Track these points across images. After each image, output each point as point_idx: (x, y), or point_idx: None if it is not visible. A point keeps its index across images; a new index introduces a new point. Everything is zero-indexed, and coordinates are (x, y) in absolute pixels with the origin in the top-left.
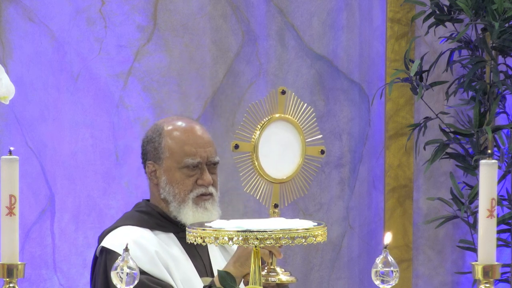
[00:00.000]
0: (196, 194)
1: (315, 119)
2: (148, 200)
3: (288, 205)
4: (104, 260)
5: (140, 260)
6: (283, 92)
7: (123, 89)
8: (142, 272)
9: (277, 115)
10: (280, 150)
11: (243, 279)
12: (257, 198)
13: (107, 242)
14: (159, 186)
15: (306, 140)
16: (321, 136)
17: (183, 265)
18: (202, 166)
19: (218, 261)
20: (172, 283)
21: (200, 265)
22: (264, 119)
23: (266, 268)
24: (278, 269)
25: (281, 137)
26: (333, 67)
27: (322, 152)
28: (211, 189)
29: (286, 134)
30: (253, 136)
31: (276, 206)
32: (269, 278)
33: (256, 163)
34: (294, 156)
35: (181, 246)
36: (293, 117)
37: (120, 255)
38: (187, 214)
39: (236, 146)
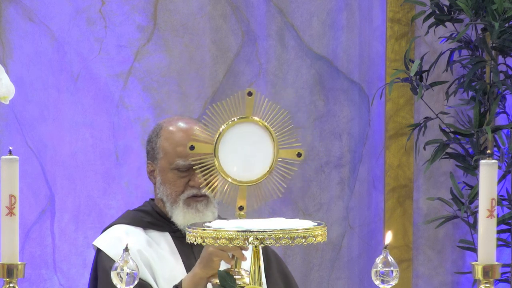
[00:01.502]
0: (187, 195)
1: (291, 121)
2: (153, 200)
3: (257, 207)
4: (95, 258)
5: None
6: (250, 94)
7: (123, 89)
8: None
9: (243, 117)
10: (247, 152)
11: (211, 281)
12: (220, 199)
13: (97, 241)
14: (156, 186)
15: (280, 143)
16: (297, 139)
17: (169, 264)
18: None
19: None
20: (152, 282)
21: (192, 265)
22: (229, 121)
23: (230, 272)
24: (243, 272)
25: (249, 139)
26: (333, 67)
27: (299, 154)
28: (206, 190)
29: (255, 136)
30: (214, 137)
31: (241, 208)
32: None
33: (217, 164)
34: (264, 158)
35: (174, 246)
36: (264, 119)
37: (106, 254)
38: (178, 215)
39: (192, 147)
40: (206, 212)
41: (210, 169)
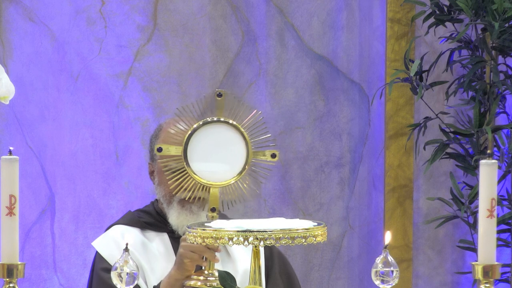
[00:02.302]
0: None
1: (264, 122)
2: (157, 200)
3: (231, 209)
4: (93, 258)
5: (115, 259)
6: (220, 95)
7: (123, 89)
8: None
9: (214, 119)
10: (219, 153)
11: (185, 283)
12: (191, 201)
13: (95, 241)
14: (155, 186)
15: (253, 144)
16: (273, 139)
17: (162, 265)
18: None
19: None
20: (140, 282)
21: None
22: (199, 122)
23: (203, 274)
24: (216, 273)
25: (220, 141)
26: (333, 67)
27: (274, 155)
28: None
29: (226, 138)
30: (183, 139)
31: (213, 210)
32: (207, 283)
33: (186, 165)
34: (236, 159)
35: (170, 246)
36: (235, 121)
37: (100, 254)
38: (173, 216)
39: (159, 149)
40: (200, 214)
41: (180, 170)
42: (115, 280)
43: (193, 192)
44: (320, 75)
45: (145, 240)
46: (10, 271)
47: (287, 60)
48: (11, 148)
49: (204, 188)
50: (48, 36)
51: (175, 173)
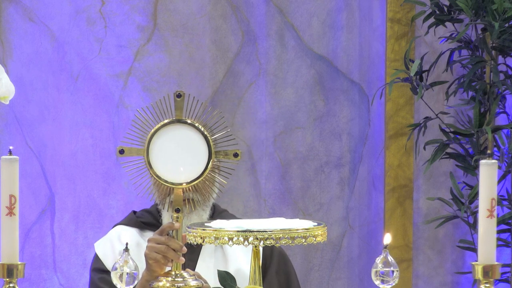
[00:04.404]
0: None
1: (225, 121)
2: None
3: (194, 209)
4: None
5: (108, 258)
6: (179, 96)
7: (123, 89)
8: (105, 271)
9: (173, 119)
10: (180, 154)
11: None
12: (156, 202)
13: (97, 242)
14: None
15: (215, 144)
16: (234, 138)
17: None
18: None
19: (204, 267)
20: None
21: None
22: (159, 123)
23: (172, 275)
24: (185, 274)
25: (180, 141)
26: (333, 67)
27: (236, 155)
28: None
29: (187, 138)
30: (144, 140)
31: (177, 210)
32: (174, 284)
33: (149, 167)
34: (198, 159)
35: None
36: (195, 121)
37: (96, 254)
38: (165, 218)
39: (122, 151)
40: (191, 216)
41: (143, 172)
42: (115, 280)
43: (159, 193)
44: (320, 75)
45: (140, 240)
46: (10, 271)
47: (287, 60)
48: (11, 148)
49: (171, 189)
50: (48, 36)
51: (139, 175)
